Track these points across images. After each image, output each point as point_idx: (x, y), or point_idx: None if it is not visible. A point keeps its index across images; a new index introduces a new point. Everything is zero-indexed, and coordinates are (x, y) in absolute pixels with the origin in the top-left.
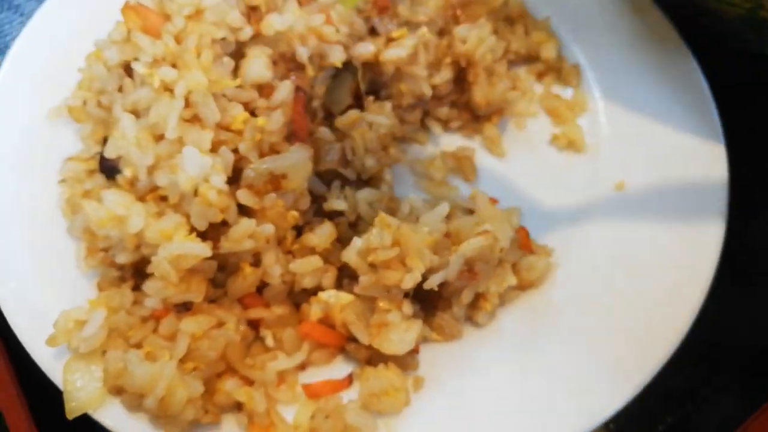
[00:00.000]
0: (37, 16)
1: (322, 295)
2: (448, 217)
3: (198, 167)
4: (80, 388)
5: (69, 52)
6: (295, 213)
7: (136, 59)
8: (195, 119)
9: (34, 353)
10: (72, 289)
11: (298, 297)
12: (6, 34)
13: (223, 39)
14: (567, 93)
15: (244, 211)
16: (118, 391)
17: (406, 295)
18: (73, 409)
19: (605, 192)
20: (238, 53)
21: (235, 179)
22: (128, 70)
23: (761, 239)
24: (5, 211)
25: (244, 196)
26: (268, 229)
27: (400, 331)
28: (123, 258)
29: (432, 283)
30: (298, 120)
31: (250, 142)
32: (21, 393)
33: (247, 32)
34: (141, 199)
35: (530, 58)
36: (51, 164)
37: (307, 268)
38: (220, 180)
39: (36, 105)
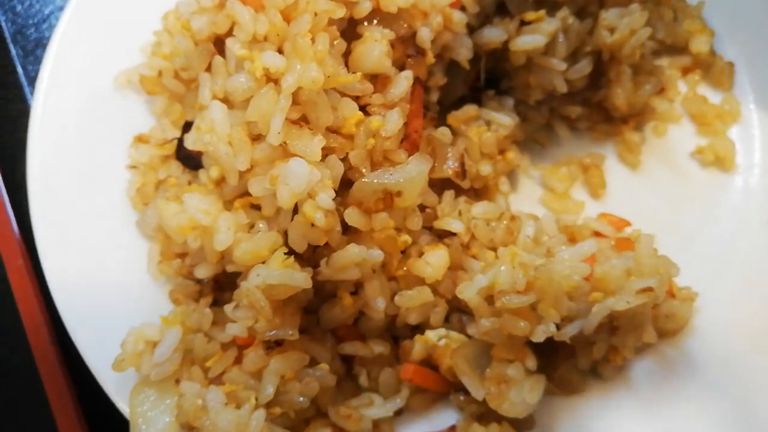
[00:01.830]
0: None
1: (429, 335)
2: None
3: (303, 182)
4: (150, 420)
5: (141, 1)
6: (407, 238)
7: (231, 35)
8: (302, 120)
9: (98, 373)
10: (140, 296)
11: (398, 330)
12: None
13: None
14: (716, 97)
15: (344, 227)
16: (190, 427)
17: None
18: None
19: (757, 226)
20: (349, 32)
21: (340, 191)
22: (219, 44)
23: None
24: (65, 191)
25: (352, 217)
26: (376, 255)
27: (522, 390)
28: (204, 272)
29: (565, 335)
30: (414, 120)
31: (363, 149)
32: (78, 407)
33: (365, 7)
34: (227, 204)
35: (676, 50)
36: (118, 138)
37: (416, 302)
38: (327, 198)
39: (102, 64)
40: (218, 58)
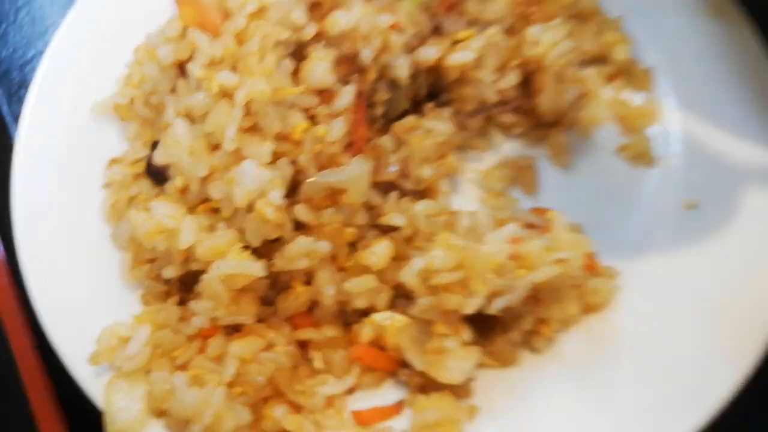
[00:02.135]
0: (80, 2)
1: (375, 317)
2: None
3: (256, 182)
4: (122, 409)
5: (114, 41)
6: (352, 230)
7: (191, 59)
8: (254, 129)
9: (74, 370)
10: (115, 301)
11: (348, 317)
12: (46, 18)
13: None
14: (638, 99)
15: (298, 225)
16: (161, 413)
17: (463, 318)
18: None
19: (675, 211)
20: (298, 53)
21: (291, 192)
22: (182, 69)
23: None
24: (46, 213)
25: (302, 212)
26: (324, 247)
27: (457, 359)
28: (170, 272)
29: (494, 308)
30: (359, 129)
31: (310, 153)
32: (59, 411)
33: (310, 31)
34: (191, 209)
35: (600, 59)
36: (94, 164)
37: (362, 288)
38: (277, 195)
39: (79, 99)
40: (181, 81)
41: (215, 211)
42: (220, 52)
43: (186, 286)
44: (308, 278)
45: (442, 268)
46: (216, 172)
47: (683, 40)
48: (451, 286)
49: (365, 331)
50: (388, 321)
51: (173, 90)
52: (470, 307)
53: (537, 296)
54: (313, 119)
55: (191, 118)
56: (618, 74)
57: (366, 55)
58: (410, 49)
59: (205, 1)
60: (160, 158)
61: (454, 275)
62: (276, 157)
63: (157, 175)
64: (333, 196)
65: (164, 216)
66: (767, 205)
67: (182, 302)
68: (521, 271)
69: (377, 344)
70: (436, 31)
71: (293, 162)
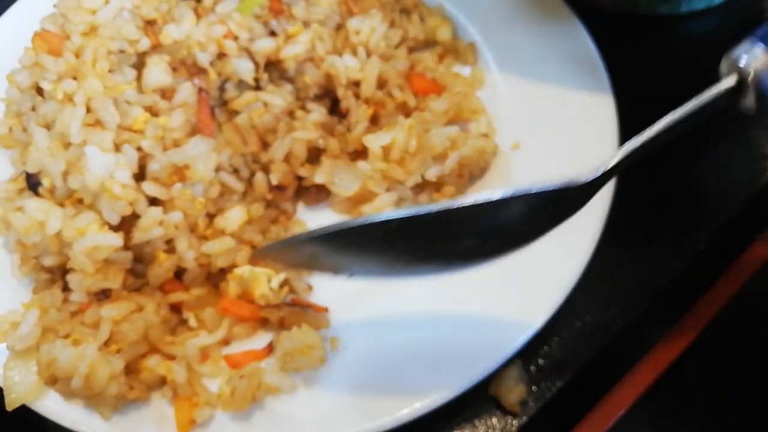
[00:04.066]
0: None
1: (236, 270)
2: None
3: (102, 166)
4: (18, 382)
5: None
6: (201, 200)
7: (44, 79)
8: (97, 123)
9: None
10: (10, 297)
11: (216, 278)
12: None
13: (122, 51)
14: (466, 71)
15: (155, 204)
16: (53, 381)
17: None
18: (12, 401)
19: (504, 151)
20: (140, 64)
21: (143, 176)
22: (39, 90)
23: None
24: None
25: (150, 188)
26: (176, 216)
27: None
28: (49, 260)
29: None
30: (204, 118)
31: (153, 139)
32: None
33: (144, 43)
34: (61, 204)
35: (429, 43)
36: None
37: (219, 248)
38: (124, 175)
39: None
40: (38, 99)
41: (80, 201)
42: (63, 67)
43: (68, 275)
44: (171, 248)
45: None
46: (71, 166)
47: (497, 15)
48: None
49: (231, 286)
50: (248, 273)
51: (33, 108)
52: None
53: None
54: (157, 115)
55: (47, 126)
56: (446, 53)
57: (202, 58)
58: (249, 52)
59: (53, 31)
60: (31, 168)
61: None
62: (121, 144)
63: (35, 185)
64: (179, 172)
65: (35, 211)
66: (578, 138)
67: (66, 289)
68: None
69: (245, 298)
70: (272, 35)
71: (138, 148)
